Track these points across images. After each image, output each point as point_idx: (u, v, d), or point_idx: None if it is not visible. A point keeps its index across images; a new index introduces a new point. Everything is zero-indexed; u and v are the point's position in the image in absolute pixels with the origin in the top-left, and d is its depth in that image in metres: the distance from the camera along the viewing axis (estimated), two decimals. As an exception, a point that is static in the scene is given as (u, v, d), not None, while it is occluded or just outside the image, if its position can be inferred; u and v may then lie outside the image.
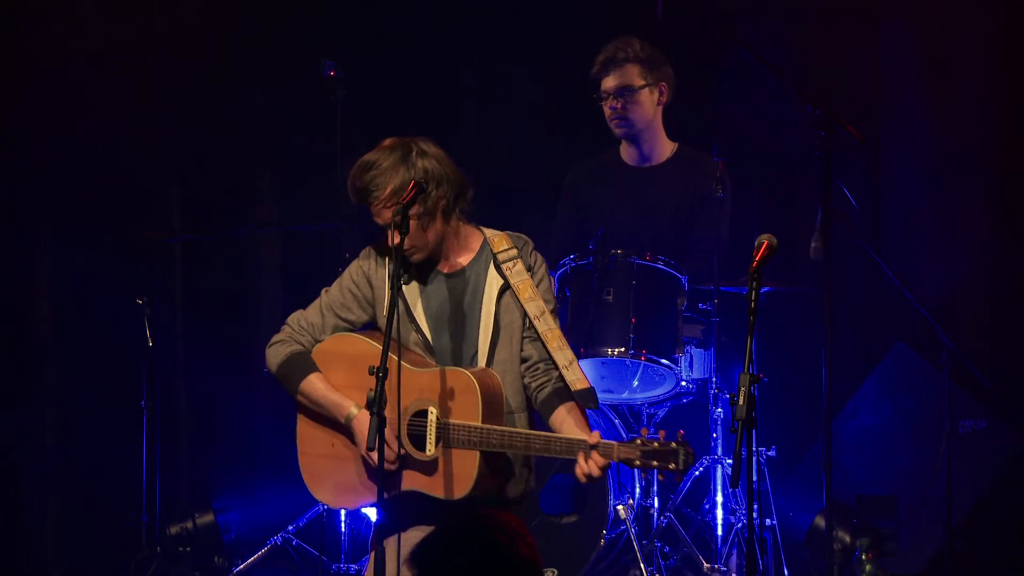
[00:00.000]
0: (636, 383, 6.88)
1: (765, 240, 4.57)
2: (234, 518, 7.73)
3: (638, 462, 4.59)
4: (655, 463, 4.58)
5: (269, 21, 7.72)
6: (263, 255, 7.86)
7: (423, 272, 4.91)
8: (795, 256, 6.66)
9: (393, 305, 4.67)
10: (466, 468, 4.69)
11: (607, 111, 7.05)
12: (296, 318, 4.98)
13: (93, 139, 7.45)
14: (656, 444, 4.59)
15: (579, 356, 6.56)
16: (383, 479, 4.67)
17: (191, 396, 7.69)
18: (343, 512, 7.00)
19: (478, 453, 4.68)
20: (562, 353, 4.79)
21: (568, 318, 6.68)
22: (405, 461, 4.73)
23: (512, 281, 4.84)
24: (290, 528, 7.06)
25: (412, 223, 4.73)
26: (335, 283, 4.99)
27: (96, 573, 7.37)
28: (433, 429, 4.71)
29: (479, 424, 4.68)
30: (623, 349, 6.65)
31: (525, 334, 4.86)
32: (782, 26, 7.61)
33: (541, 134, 7.67)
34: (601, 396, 6.79)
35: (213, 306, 7.80)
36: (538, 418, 4.95)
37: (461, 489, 4.69)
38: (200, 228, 7.51)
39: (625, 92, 7.00)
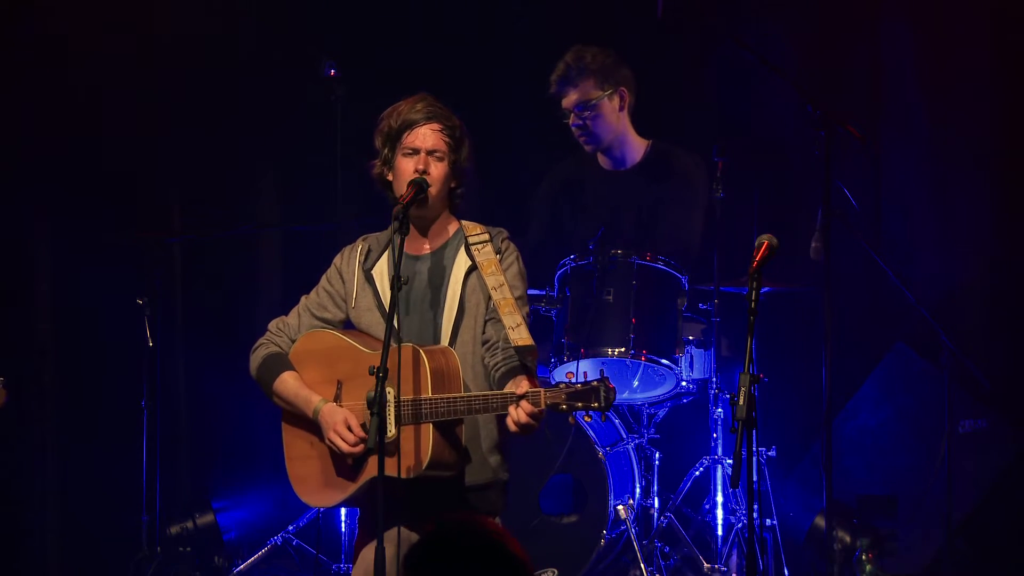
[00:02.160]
0: (636, 383, 6.88)
1: (765, 240, 4.57)
2: (234, 518, 7.73)
3: (564, 406, 4.65)
4: (580, 404, 4.64)
5: (269, 21, 7.72)
6: (263, 255, 7.86)
7: (393, 256, 4.95)
8: (795, 256, 6.66)
9: (393, 305, 4.71)
10: (421, 443, 4.73)
11: (573, 129, 7.07)
12: (275, 322, 5.09)
13: (93, 139, 7.45)
14: (579, 385, 4.65)
15: (579, 356, 6.60)
16: (382, 480, 4.67)
17: (191, 396, 7.69)
18: (343, 512, 7.00)
19: (431, 426, 4.71)
20: (511, 317, 4.82)
21: (568, 318, 6.68)
22: (371, 448, 4.74)
23: (478, 260, 4.91)
24: (290, 528, 7.06)
25: (443, 166, 4.91)
26: (314, 287, 5.11)
27: (96, 573, 7.37)
28: (392, 409, 4.72)
29: (429, 396, 4.70)
30: (623, 349, 6.65)
31: (488, 315, 4.90)
32: (782, 26, 7.60)
33: (541, 134, 7.66)
34: (601, 396, 6.85)
35: (213, 306, 7.80)
36: None
37: (417, 466, 4.72)
38: (200, 228, 7.50)
39: (584, 107, 7.01)
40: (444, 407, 4.72)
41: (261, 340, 5.05)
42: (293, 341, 5.01)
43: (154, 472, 7.06)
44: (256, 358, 5.02)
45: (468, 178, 5.03)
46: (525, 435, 4.72)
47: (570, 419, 4.69)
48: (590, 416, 4.68)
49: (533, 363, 4.83)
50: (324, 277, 5.08)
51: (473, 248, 4.93)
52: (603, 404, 4.64)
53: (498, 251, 4.94)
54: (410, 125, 4.92)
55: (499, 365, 4.86)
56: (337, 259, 5.09)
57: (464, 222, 5.03)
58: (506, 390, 4.77)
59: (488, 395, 4.74)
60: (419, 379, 4.74)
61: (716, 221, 6.84)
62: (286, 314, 5.09)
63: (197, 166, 7.71)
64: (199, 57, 7.57)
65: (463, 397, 4.74)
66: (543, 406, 4.66)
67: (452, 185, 4.99)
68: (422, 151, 4.91)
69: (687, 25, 7.57)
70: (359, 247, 5.05)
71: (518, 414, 4.66)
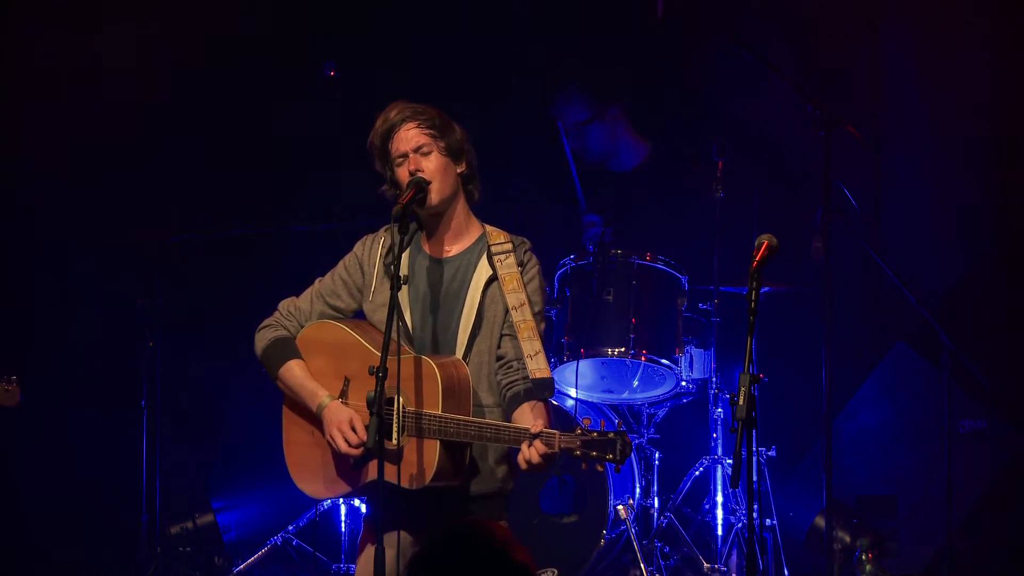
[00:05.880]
0: (636, 383, 6.88)
1: (765, 240, 4.57)
2: (234, 518, 7.73)
3: (578, 452, 4.59)
4: (594, 453, 4.58)
5: (270, 21, 7.72)
6: (263, 255, 7.85)
7: (413, 256, 4.94)
8: (795, 256, 6.67)
9: (392, 304, 4.68)
10: (428, 457, 4.69)
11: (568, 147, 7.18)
12: (286, 304, 5.03)
13: (93, 139, 7.45)
14: (595, 434, 4.59)
15: (579, 356, 6.60)
16: (382, 480, 4.67)
17: (191, 396, 7.69)
18: (343, 512, 7.00)
19: (438, 442, 4.69)
20: (530, 343, 4.79)
21: (568, 318, 6.68)
22: (372, 450, 4.73)
23: (500, 272, 4.86)
24: (290, 528, 7.06)
25: (434, 158, 4.84)
26: (330, 271, 5.03)
27: (96, 573, 7.37)
28: (397, 419, 4.71)
29: (438, 413, 4.69)
30: (623, 349, 6.65)
31: (504, 331, 4.87)
32: (782, 26, 7.61)
33: (542, 133, 7.67)
34: (601, 396, 6.87)
35: (213, 306, 7.80)
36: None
37: (422, 479, 4.69)
38: (200, 228, 7.50)
39: (576, 129, 7.07)
40: (453, 428, 4.68)
41: (269, 320, 5.00)
42: (302, 326, 4.97)
43: (154, 472, 7.06)
44: (263, 338, 4.97)
45: (473, 158, 4.96)
46: (533, 473, 4.68)
47: (583, 466, 4.63)
48: (603, 467, 4.61)
49: (549, 394, 4.80)
50: (342, 264, 5.01)
51: (495, 258, 4.88)
52: (618, 458, 4.56)
53: (520, 263, 4.89)
54: (388, 135, 4.89)
55: (511, 385, 4.83)
56: (358, 247, 5.01)
57: (488, 228, 4.96)
58: (516, 421, 4.74)
59: (500, 426, 4.69)
60: (430, 393, 4.70)
61: (716, 221, 6.85)
62: (297, 296, 5.07)
63: (197, 166, 7.71)
64: (199, 57, 7.57)
65: (475, 423, 4.69)
66: (557, 449, 4.61)
67: (458, 171, 4.93)
68: (408, 153, 4.88)
69: (687, 25, 7.58)
70: (381, 239, 4.97)
71: (531, 453, 4.61)
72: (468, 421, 4.69)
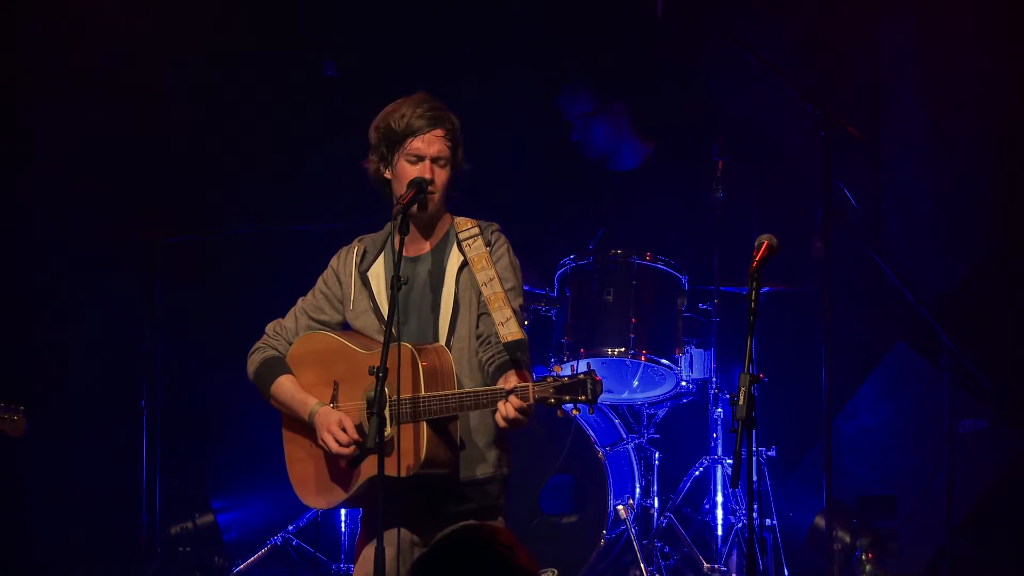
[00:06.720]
0: (636, 383, 6.88)
1: (765, 240, 4.57)
2: (234, 518, 7.72)
3: (552, 400, 4.66)
4: (567, 397, 4.65)
5: (270, 20, 7.72)
6: (263, 255, 7.86)
7: (389, 256, 4.97)
8: (795, 256, 6.66)
9: (393, 304, 4.70)
10: (416, 441, 4.73)
11: (572, 141, 7.19)
12: (272, 325, 5.09)
13: (94, 139, 7.45)
14: (566, 379, 4.66)
15: (579, 356, 6.60)
16: (382, 479, 4.67)
17: (191, 396, 7.69)
18: (343, 512, 7.00)
19: (424, 424, 4.73)
20: (500, 312, 4.84)
21: (568, 318, 6.68)
22: (366, 448, 4.75)
23: (469, 255, 4.92)
24: (290, 528, 7.06)
25: (446, 172, 4.90)
26: (310, 290, 5.10)
27: (96, 573, 7.37)
28: (388, 408, 4.72)
29: (422, 394, 4.72)
30: (623, 349, 6.65)
31: (480, 311, 4.91)
32: (782, 26, 7.61)
33: (542, 132, 7.67)
34: (601, 396, 6.86)
35: (213, 306, 7.80)
36: None
37: (415, 464, 4.72)
38: (200, 228, 7.50)
39: (580, 123, 7.06)
40: (436, 405, 4.73)
41: (258, 344, 5.06)
42: (290, 344, 5.02)
43: (154, 472, 7.06)
44: (253, 362, 5.03)
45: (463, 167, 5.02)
46: (513, 429, 4.73)
47: (559, 413, 4.69)
48: (578, 409, 4.69)
49: (524, 356, 4.83)
50: (320, 279, 5.08)
51: (464, 244, 4.94)
52: (590, 397, 4.66)
53: (488, 243, 4.94)
54: (415, 131, 4.90)
55: (492, 359, 4.86)
56: (334, 261, 5.08)
57: (457, 218, 5.02)
58: (497, 385, 4.78)
59: (478, 391, 4.74)
60: (413, 378, 4.75)
61: (716, 221, 6.85)
62: (283, 316, 5.09)
63: (197, 166, 7.71)
64: (199, 56, 7.58)
65: (454, 394, 4.75)
66: (532, 400, 4.67)
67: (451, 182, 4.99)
68: (427, 158, 4.89)
69: (687, 25, 7.58)
70: (355, 248, 5.05)
71: (507, 409, 4.67)
72: (447, 395, 4.74)
